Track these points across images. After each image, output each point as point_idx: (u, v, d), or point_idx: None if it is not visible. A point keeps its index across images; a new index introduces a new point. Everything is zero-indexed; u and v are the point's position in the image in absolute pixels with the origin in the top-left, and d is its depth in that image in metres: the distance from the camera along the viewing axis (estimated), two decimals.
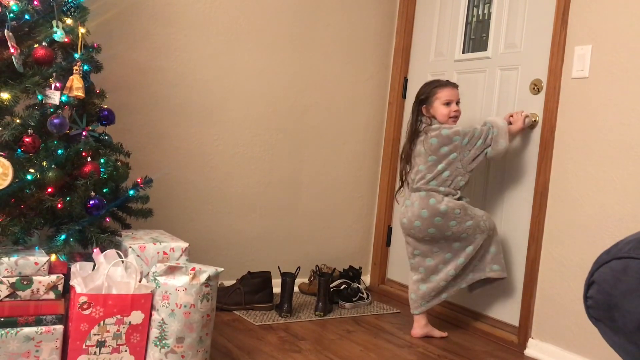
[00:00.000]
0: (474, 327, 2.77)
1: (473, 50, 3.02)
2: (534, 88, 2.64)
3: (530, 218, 2.58)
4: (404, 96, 3.39)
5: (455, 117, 2.57)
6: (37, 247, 1.92)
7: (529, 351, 2.51)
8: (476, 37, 3.01)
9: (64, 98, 1.98)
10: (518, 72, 2.74)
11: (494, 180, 2.81)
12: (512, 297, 2.67)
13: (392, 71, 3.44)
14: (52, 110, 1.97)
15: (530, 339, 2.53)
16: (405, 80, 3.39)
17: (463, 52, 3.06)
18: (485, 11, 2.96)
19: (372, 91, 3.41)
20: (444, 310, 2.91)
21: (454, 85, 2.60)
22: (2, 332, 1.73)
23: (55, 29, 1.99)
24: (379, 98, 3.44)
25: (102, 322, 1.79)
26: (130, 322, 1.83)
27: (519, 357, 2.48)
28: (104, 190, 2.08)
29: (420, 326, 2.60)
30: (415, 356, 2.38)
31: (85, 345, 1.78)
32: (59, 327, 1.81)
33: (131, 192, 2.21)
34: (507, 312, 2.69)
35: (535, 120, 2.61)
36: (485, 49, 2.93)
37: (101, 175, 2.05)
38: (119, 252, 1.94)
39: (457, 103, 2.57)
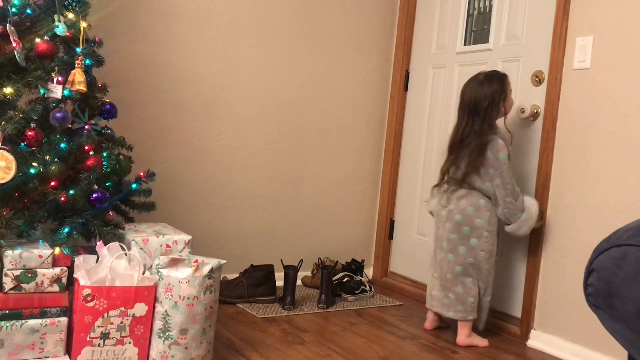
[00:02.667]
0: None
1: (474, 43, 3.01)
2: (535, 79, 2.64)
3: None
4: (406, 89, 3.39)
5: None
6: (40, 240, 1.93)
7: (531, 342, 2.52)
8: (477, 29, 3.01)
9: (66, 92, 1.98)
10: (519, 64, 2.73)
11: None
12: (515, 288, 2.68)
13: (394, 64, 3.44)
14: (54, 104, 1.98)
15: (532, 330, 2.53)
16: (407, 74, 3.39)
17: (465, 45, 3.06)
18: (487, 3, 2.96)
19: (373, 84, 3.41)
20: None
21: None
22: (7, 324, 1.74)
23: (57, 23, 2.00)
24: (380, 91, 3.44)
25: (106, 314, 1.80)
26: (133, 314, 1.84)
27: (521, 349, 2.49)
28: (107, 184, 2.09)
29: (430, 321, 2.63)
30: (417, 347, 2.39)
31: (90, 337, 1.79)
32: (63, 319, 1.82)
33: (134, 185, 2.22)
34: (509, 303, 2.70)
35: (537, 112, 2.61)
36: (486, 41, 2.93)
37: (104, 168, 2.06)
38: (122, 244, 1.95)
39: None
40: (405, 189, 3.37)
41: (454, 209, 2.46)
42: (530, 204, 2.45)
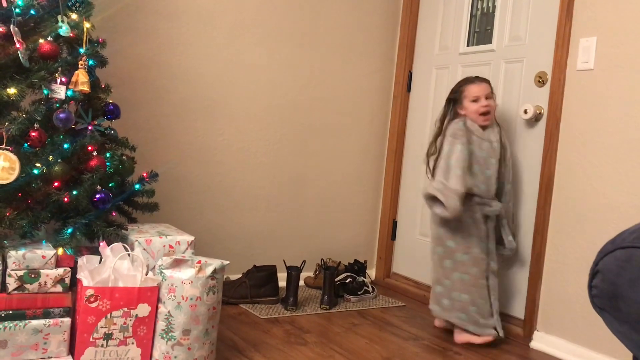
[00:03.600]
0: None
1: (478, 43, 3.01)
2: (538, 80, 2.63)
3: (535, 211, 2.58)
4: (409, 90, 3.39)
5: (486, 113, 2.47)
6: (44, 241, 1.93)
7: (534, 344, 2.52)
8: (481, 30, 3.01)
9: (69, 93, 1.99)
10: (523, 65, 2.73)
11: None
12: (518, 290, 2.68)
13: (397, 65, 3.44)
14: (57, 104, 1.98)
15: (535, 332, 2.53)
16: (410, 74, 3.38)
17: (468, 45, 3.06)
18: (490, 4, 2.95)
19: (376, 85, 3.41)
20: None
21: (483, 80, 2.52)
22: (11, 324, 1.75)
23: (60, 24, 2.00)
24: (383, 92, 3.44)
25: (109, 315, 1.81)
26: (136, 314, 1.84)
27: (524, 350, 2.48)
28: (110, 185, 2.09)
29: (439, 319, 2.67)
30: (420, 348, 2.38)
31: (93, 338, 1.79)
32: (67, 320, 1.83)
33: (137, 186, 2.22)
34: (513, 304, 2.69)
35: (540, 113, 2.60)
36: (490, 41, 2.92)
37: (107, 169, 2.06)
38: (125, 245, 1.95)
39: (487, 98, 2.48)
40: (408, 189, 3.36)
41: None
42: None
